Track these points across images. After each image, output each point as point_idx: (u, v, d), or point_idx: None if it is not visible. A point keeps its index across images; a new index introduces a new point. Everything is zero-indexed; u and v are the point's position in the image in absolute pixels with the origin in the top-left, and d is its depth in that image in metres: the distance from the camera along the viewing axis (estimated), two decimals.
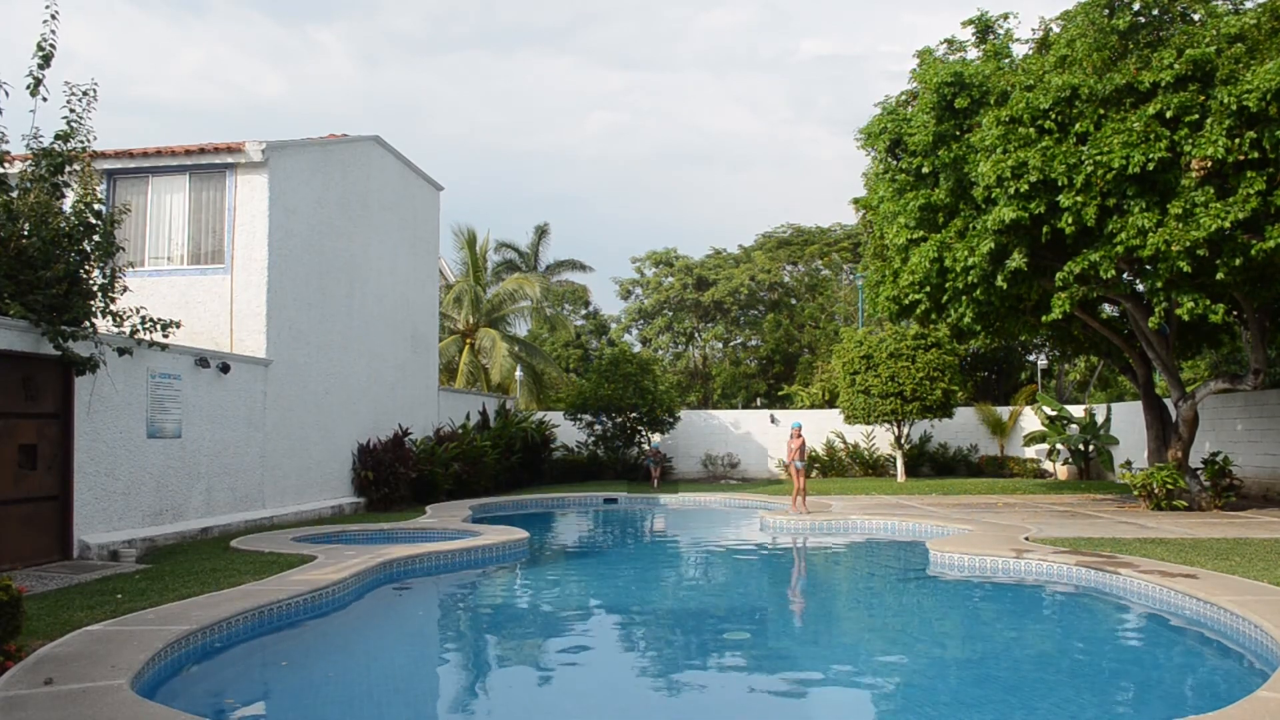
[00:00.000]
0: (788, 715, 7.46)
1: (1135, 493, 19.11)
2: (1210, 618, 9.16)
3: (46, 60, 12.44)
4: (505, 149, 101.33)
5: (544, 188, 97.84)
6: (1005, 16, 18.80)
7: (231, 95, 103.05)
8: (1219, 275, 14.82)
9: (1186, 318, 15.55)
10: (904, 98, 19.66)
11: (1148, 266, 15.50)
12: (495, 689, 8.23)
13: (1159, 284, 15.45)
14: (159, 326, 13.49)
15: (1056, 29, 18.12)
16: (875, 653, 9.40)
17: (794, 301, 46.92)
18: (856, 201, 21.67)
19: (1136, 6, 16.44)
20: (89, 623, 8.18)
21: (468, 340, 36.61)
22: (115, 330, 13.25)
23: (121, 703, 5.98)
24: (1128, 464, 22.56)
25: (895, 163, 18.84)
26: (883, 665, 8.90)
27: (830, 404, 33.72)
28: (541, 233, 45.95)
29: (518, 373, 35.01)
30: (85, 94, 12.81)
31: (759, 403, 43.47)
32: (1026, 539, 13.76)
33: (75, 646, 7.31)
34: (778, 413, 33.05)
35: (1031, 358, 36.56)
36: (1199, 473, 19.10)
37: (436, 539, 14.95)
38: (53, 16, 12.37)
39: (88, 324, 12.49)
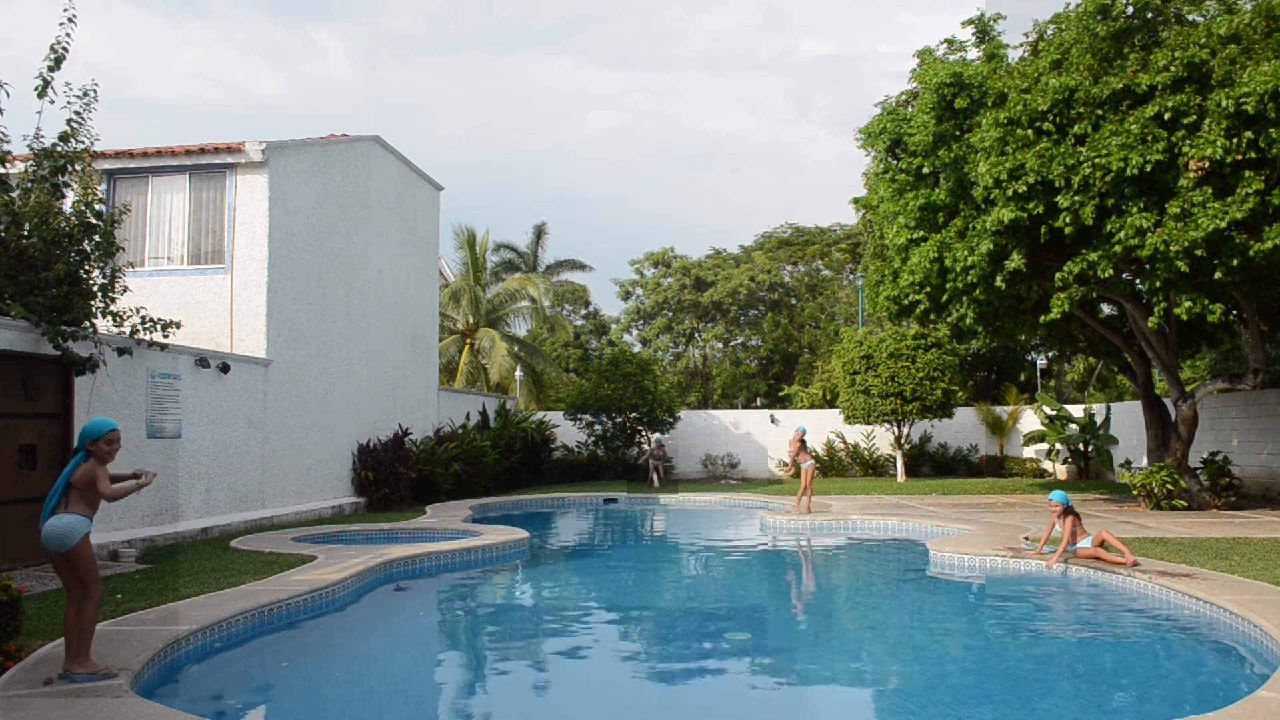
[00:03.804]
0: (788, 715, 7.46)
1: (1135, 492, 19.11)
2: (1210, 617, 9.18)
3: (58, 63, 12.47)
4: (505, 149, 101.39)
5: (544, 188, 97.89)
6: (996, 18, 18.83)
7: (231, 95, 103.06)
8: (1217, 275, 14.83)
9: (1185, 317, 15.57)
10: (904, 98, 19.67)
11: (1146, 266, 15.51)
12: (496, 688, 8.23)
13: (1157, 284, 15.47)
14: (159, 326, 13.51)
15: (1051, 31, 18.11)
16: (876, 653, 9.42)
17: (794, 301, 46.96)
18: (856, 201, 21.72)
19: (1130, 10, 16.44)
20: None
21: (468, 340, 36.64)
22: (115, 330, 13.27)
23: (121, 702, 5.99)
24: (1127, 464, 22.59)
25: (895, 163, 18.85)
26: (883, 666, 8.91)
27: (830, 404, 33.74)
28: (540, 232, 45.96)
29: (518, 373, 35.02)
30: (86, 94, 12.81)
31: (759, 403, 43.49)
32: (1026, 539, 13.76)
33: None
34: (778, 413, 33.06)
35: (1031, 357, 36.55)
36: (1199, 472, 19.12)
37: (437, 539, 14.95)
38: (70, 19, 12.39)
39: (88, 324, 12.51)
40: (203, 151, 17.63)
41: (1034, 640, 9.60)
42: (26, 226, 12.09)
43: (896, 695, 7.85)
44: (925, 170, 17.47)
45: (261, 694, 7.73)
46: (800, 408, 36.20)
